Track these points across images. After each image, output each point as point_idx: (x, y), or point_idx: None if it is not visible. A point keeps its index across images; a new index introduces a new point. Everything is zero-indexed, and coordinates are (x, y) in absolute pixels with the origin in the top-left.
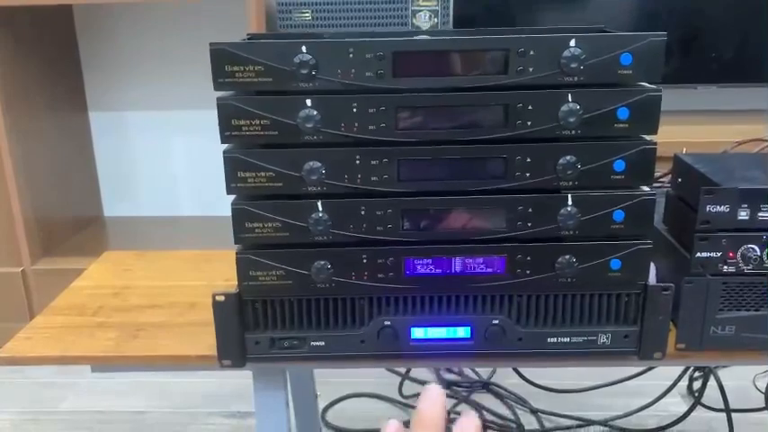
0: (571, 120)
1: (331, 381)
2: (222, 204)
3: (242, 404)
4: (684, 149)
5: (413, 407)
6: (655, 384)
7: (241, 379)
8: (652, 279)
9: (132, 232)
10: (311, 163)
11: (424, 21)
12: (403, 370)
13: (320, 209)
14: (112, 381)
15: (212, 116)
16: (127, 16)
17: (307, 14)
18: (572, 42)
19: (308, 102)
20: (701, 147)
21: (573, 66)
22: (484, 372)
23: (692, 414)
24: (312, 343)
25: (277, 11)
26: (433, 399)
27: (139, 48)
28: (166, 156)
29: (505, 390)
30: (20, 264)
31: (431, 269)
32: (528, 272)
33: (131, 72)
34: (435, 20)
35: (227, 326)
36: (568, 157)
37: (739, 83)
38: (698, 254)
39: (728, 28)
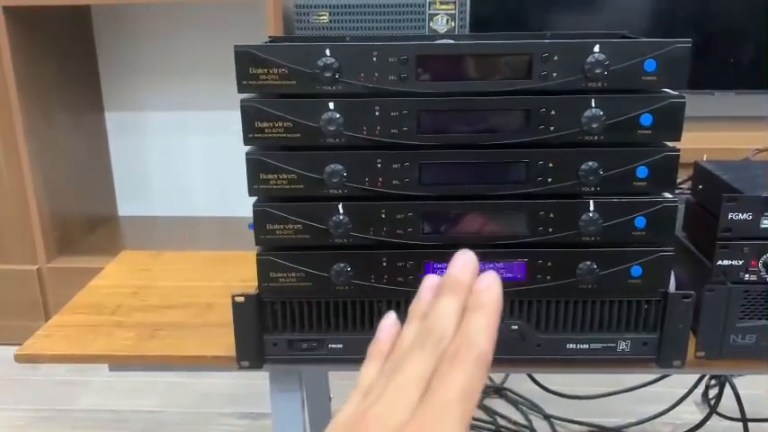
0: (594, 125)
1: (344, 383)
2: (236, 205)
3: (255, 405)
4: (705, 156)
5: None
6: (669, 392)
7: (254, 380)
8: (670, 286)
9: (146, 232)
10: (333, 165)
11: (441, 24)
12: None
13: (341, 211)
14: (126, 379)
15: (227, 117)
16: (144, 17)
17: (324, 17)
18: (596, 48)
19: (331, 105)
20: (719, 153)
21: (597, 71)
22: (497, 377)
23: (708, 423)
24: (330, 345)
25: (294, 13)
26: (465, 263)
27: (156, 49)
28: (181, 156)
29: (518, 395)
30: (35, 262)
31: None
32: (548, 277)
33: (148, 73)
34: (452, 23)
35: (246, 327)
36: (591, 163)
37: (757, 89)
38: (719, 261)
39: (745, 33)
